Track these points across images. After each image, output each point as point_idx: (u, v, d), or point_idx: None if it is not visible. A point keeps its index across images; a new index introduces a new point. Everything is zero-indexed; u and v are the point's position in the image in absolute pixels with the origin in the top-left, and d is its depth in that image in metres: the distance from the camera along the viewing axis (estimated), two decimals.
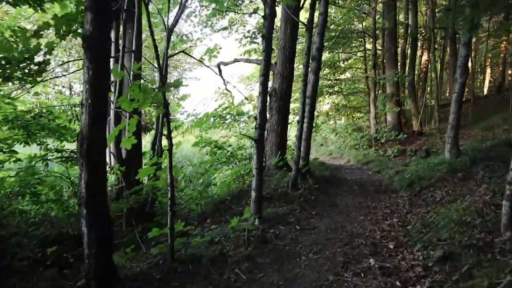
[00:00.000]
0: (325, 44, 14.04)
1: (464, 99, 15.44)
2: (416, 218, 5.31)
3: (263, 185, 5.68)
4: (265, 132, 8.84)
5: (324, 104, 18.49)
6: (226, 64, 10.42)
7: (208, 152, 9.28)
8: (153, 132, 7.61)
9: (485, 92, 21.25)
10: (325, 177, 7.66)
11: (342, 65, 17.94)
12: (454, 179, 6.33)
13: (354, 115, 18.46)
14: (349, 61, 19.58)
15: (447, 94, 21.08)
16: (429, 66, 18.66)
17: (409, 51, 15.89)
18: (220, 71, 10.28)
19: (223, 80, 9.94)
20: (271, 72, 10.03)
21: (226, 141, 9.50)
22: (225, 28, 16.77)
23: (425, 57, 17.98)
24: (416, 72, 16.27)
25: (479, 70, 21.64)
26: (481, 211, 4.59)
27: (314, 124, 18.02)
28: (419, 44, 16.38)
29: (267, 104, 8.80)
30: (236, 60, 10.09)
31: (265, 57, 5.33)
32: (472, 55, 20.62)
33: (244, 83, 18.97)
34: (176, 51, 8.59)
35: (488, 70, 22.78)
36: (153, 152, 6.89)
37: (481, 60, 21.79)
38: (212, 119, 6.31)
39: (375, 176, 8.61)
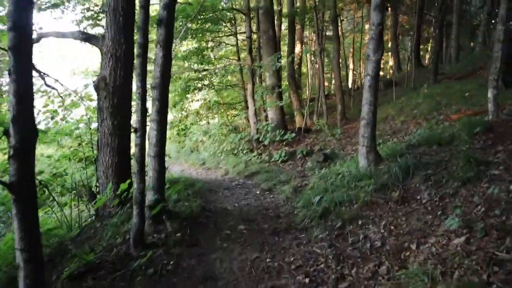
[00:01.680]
0: (191, 26, 11.19)
1: (329, 93, 14.49)
2: None
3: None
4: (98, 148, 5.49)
5: (194, 101, 15.49)
6: None
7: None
8: None
9: (349, 85, 21.15)
10: (194, 214, 4.71)
11: (212, 56, 15.32)
12: (389, 202, 4.13)
13: (229, 113, 15.97)
14: (220, 52, 17.24)
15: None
16: (302, 57, 17.53)
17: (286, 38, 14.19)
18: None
19: (37, 71, 6.05)
20: (98, 52, 6.54)
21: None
22: (55, 5, 12.58)
23: (298, 49, 16.68)
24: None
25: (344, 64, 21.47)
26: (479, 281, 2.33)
27: (183, 126, 15.17)
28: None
29: (98, 102, 5.53)
30: (41, 36, 6.17)
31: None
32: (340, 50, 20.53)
33: (87, 78, 14.74)
34: None
35: (351, 65, 22.98)
36: None
37: (346, 55, 21.66)
38: None
39: (266, 197, 6.02)
